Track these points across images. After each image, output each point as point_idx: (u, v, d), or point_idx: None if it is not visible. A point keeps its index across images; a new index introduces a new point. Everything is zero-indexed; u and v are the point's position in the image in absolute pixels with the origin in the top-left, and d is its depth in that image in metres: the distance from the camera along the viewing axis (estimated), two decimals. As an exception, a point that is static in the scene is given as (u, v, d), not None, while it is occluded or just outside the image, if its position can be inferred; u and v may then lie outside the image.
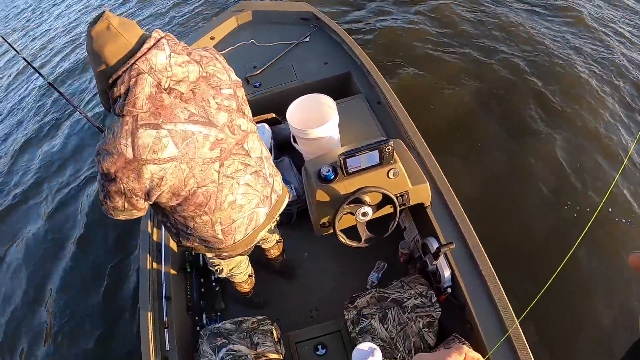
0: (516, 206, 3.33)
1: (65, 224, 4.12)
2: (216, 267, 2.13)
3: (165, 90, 1.32)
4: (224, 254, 1.85)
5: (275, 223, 2.04)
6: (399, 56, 4.87)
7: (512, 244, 3.03)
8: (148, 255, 2.38)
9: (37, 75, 3.02)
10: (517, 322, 1.85)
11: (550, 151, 3.65)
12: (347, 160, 1.95)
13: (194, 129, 1.40)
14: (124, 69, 1.26)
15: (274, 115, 3.06)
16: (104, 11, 1.28)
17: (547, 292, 1.51)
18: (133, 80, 1.26)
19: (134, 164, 1.31)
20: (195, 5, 7.28)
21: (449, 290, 2.20)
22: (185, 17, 7.03)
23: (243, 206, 1.67)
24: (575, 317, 2.71)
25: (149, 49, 1.27)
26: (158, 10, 7.58)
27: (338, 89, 3.10)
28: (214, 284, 2.65)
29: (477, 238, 2.18)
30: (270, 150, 2.87)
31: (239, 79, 1.64)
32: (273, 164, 1.88)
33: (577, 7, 5.30)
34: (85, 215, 4.07)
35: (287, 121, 3.02)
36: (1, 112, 6.23)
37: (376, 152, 1.97)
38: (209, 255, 1.95)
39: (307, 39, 3.57)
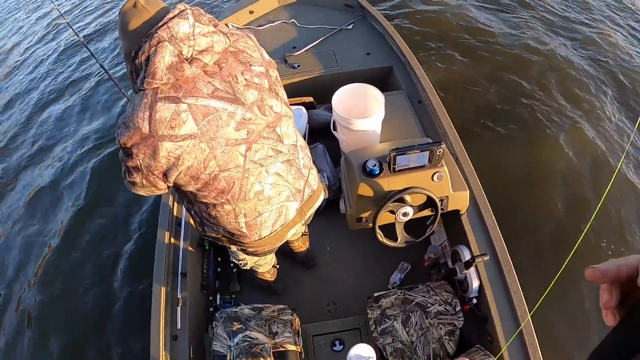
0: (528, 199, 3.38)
1: (82, 188, 4.03)
2: (240, 261, 2.02)
3: (187, 60, 1.24)
4: (250, 249, 1.72)
5: (307, 221, 1.91)
6: (437, 46, 4.82)
7: (523, 237, 3.06)
8: (167, 228, 2.31)
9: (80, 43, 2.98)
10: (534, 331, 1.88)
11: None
12: (397, 157, 1.88)
13: (218, 105, 1.29)
14: (145, 39, 1.21)
15: (312, 99, 2.99)
16: None
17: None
18: (153, 49, 1.19)
19: (149, 140, 1.23)
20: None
21: (474, 300, 2.17)
22: None
23: (271, 198, 1.54)
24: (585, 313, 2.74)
25: (171, 18, 1.21)
26: None
27: (379, 82, 3.03)
28: (231, 264, 2.59)
29: (507, 252, 2.14)
30: (304, 134, 2.80)
31: (272, 60, 1.51)
32: (310, 155, 1.75)
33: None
34: (104, 183, 3.99)
35: (322, 106, 2.97)
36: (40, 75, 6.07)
37: (426, 153, 1.91)
38: (233, 248, 1.79)
39: (350, 27, 3.48)
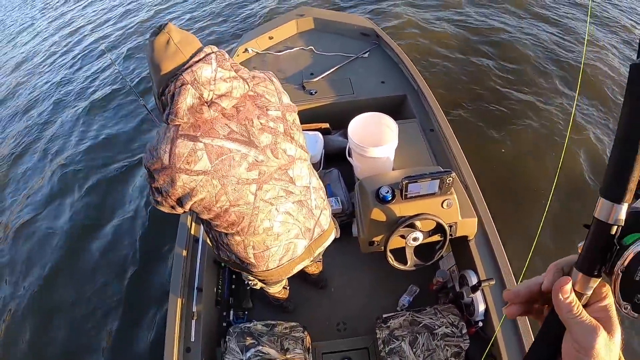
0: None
1: (106, 203, 4.19)
2: (250, 282, 2.14)
3: (206, 103, 1.33)
4: (258, 277, 1.84)
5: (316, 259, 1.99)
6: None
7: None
8: (184, 245, 2.41)
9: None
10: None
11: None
12: (410, 185, 1.99)
13: (232, 146, 1.38)
14: (172, 78, 1.30)
15: (327, 125, 3.10)
16: (167, 23, 1.33)
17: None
18: (177, 90, 1.29)
19: (168, 170, 1.35)
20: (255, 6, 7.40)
21: (480, 324, 2.23)
22: (242, 17, 7.13)
23: (280, 235, 1.63)
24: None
25: (197, 62, 1.29)
26: (215, 9, 7.67)
27: (393, 110, 3.13)
28: (245, 281, 2.68)
29: (513, 277, 2.21)
30: (320, 159, 2.90)
31: (292, 104, 1.58)
32: (324, 196, 1.83)
33: None
34: (129, 198, 4.14)
35: (338, 132, 3.07)
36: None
37: (437, 181, 2.01)
38: (243, 273, 1.91)
39: (366, 55, 3.59)
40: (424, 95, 3.10)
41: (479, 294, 2.22)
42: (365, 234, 2.15)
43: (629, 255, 0.48)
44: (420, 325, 2.26)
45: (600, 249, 0.51)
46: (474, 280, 2.25)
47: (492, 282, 2.14)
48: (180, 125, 1.34)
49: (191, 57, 1.30)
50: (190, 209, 1.50)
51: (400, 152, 2.61)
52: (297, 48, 3.72)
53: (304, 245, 1.75)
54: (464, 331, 2.25)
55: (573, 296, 0.53)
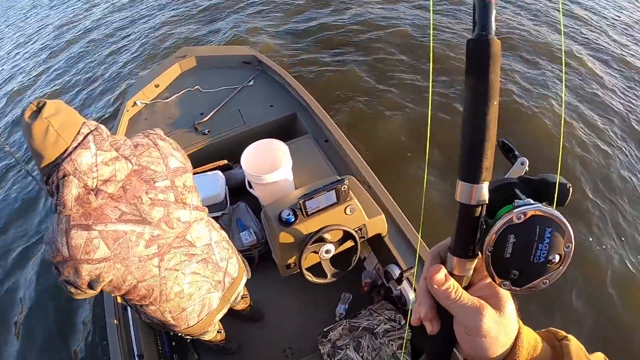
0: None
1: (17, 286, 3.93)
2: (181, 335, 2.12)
3: (92, 191, 1.28)
4: (184, 334, 1.83)
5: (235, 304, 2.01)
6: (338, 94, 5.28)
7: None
8: (114, 314, 2.33)
9: None
10: None
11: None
12: (307, 202, 2.04)
13: (126, 228, 1.35)
14: (53, 168, 1.24)
15: (226, 161, 3.10)
16: (45, 103, 1.22)
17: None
18: (60, 181, 1.24)
19: (70, 262, 1.32)
20: (135, 50, 7.31)
21: None
22: (127, 62, 7.02)
23: (192, 294, 1.63)
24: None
25: (75, 148, 1.22)
26: (95, 59, 7.49)
27: (285, 131, 3.19)
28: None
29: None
30: (225, 197, 2.90)
31: (180, 166, 1.52)
32: (228, 245, 1.82)
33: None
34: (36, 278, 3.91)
35: (239, 166, 3.09)
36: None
37: (333, 192, 2.07)
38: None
39: (251, 83, 3.63)
40: (312, 109, 3.18)
41: (405, 284, 2.30)
42: (279, 258, 2.18)
43: (493, 233, 0.48)
44: (360, 329, 2.31)
45: (468, 231, 0.51)
46: (397, 273, 2.32)
47: (413, 270, 2.22)
48: (70, 215, 1.29)
49: (72, 142, 1.24)
50: (102, 290, 1.46)
51: (299, 170, 2.66)
52: (184, 90, 3.70)
53: (218, 297, 1.77)
54: (403, 322, 2.33)
55: (449, 282, 0.53)
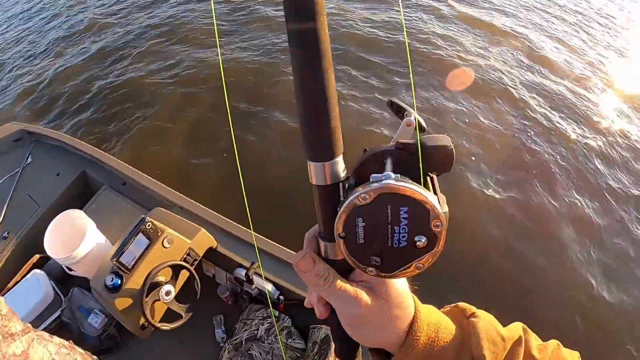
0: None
1: None
2: None
3: None
4: None
5: None
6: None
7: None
8: None
9: None
10: None
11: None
12: (121, 259, 1.97)
13: None
14: None
15: (38, 256, 2.79)
16: None
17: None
18: None
19: None
20: None
21: (281, 297, 2.36)
22: None
23: None
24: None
25: None
26: None
27: (83, 193, 2.98)
28: None
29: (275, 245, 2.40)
30: (55, 292, 2.64)
31: None
32: (67, 350, 1.61)
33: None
34: None
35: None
36: None
37: (141, 235, 2.03)
38: None
39: (30, 159, 3.24)
40: (98, 159, 3.00)
41: (257, 279, 2.34)
42: (129, 325, 2.08)
43: (339, 218, 0.43)
44: (244, 343, 2.31)
45: (331, 213, 0.45)
46: (243, 275, 2.36)
47: (256, 265, 2.28)
48: None
49: None
50: None
51: (109, 225, 2.54)
52: None
53: None
54: (277, 314, 2.38)
55: (317, 267, 0.48)
